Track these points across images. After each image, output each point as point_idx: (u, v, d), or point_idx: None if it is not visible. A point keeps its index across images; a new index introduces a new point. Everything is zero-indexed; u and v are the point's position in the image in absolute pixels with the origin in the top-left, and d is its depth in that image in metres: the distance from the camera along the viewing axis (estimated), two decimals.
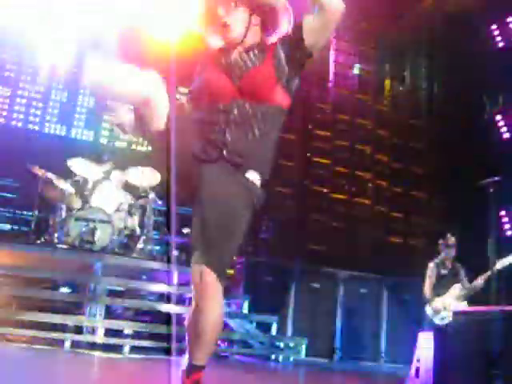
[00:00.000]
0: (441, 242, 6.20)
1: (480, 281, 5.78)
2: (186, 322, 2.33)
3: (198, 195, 2.30)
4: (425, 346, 4.86)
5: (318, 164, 9.64)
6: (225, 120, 2.30)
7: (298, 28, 2.33)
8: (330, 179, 9.71)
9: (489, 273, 5.29)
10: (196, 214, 2.32)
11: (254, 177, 2.33)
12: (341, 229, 9.43)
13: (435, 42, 10.33)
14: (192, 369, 2.26)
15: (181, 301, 6.25)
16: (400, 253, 9.64)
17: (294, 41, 2.33)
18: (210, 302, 2.22)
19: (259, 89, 2.32)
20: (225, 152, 2.29)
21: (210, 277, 2.19)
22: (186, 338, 2.29)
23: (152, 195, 7.23)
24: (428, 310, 6.00)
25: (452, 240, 6.13)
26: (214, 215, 2.25)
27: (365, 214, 9.86)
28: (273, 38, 2.40)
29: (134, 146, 9.61)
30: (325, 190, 9.69)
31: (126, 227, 6.91)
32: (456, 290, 5.98)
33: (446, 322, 5.75)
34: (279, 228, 8.89)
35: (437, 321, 5.89)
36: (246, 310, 6.81)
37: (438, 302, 5.93)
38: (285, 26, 2.38)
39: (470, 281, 5.93)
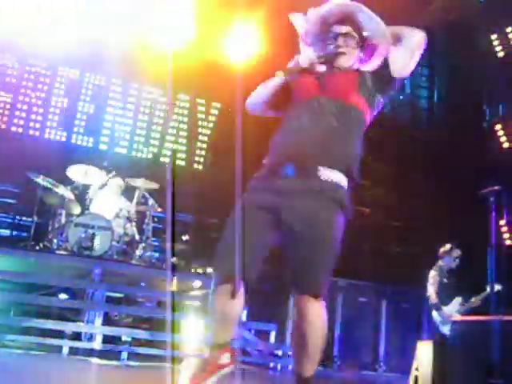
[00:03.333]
0: (442, 250, 6.18)
1: (477, 300, 5.77)
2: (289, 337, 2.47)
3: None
4: (424, 355, 4.85)
5: None
6: (305, 113, 2.47)
7: (385, 60, 2.61)
8: None
9: (485, 293, 5.29)
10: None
11: (335, 177, 2.38)
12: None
13: (435, 51, 10.32)
14: (304, 382, 2.38)
15: (179, 308, 6.21)
16: (399, 262, 9.60)
17: (380, 69, 2.62)
18: (315, 317, 2.36)
19: (339, 87, 2.53)
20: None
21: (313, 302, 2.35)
22: (292, 351, 2.41)
23: (151, 202, 7.26)
24: (436, 316, 5.93)
25: (457, 252, 6.09)
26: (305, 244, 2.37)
27: (364, 223, 9.85)
28: (363, 67, 2.68)
29: (134, 153, 9.65)
30: None
31: (125, 234, 6.91)
32: (458, 302, 5.95)
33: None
34: None
35: (445, 329, 5.83)
36: (244, 318, 6.78)
37: (447, 310, 5.90)
38: (377, 61, 2.65)
39: (468, 292, 5.92)
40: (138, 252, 6.99)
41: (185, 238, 8.17)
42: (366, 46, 2.68)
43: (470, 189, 5.18)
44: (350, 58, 2.65)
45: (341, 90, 2.53)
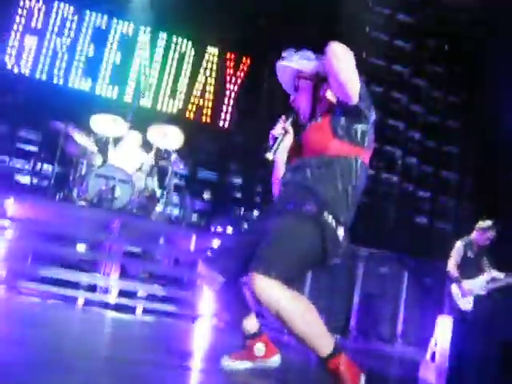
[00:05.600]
0: (479, 224, 6.03)
1: (505, 280, 5.67)
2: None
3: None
4: (443, 331, 4.84)
5: None
6: (287, 173, 2.73)
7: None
8: None
9: None
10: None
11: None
12: (365, 204, 9.35)
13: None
14: (325, 361, 2.42)
15: (195, 266, 6.27)
16: (425, 234, 9.57)
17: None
18: (274, 302, 2.36)
19: (315, 143, 2.64)
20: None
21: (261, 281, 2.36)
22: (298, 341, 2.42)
23: (174, 157, 7.26)
24: (455, 289, 5.83)
25: (492, 232, 5.96)
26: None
27: (391, 191, 9.78)
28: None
29: (158, 107, 9.63)
30: None
31: (145, 188, 6.94)
32: (483, 279, 5.84)
33: (471, 306, 5.63)
34: None
35: (462, 304, 5.75)
36: None
37: (467, 285, 5.79)
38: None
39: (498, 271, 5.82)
40: (158, 208, 7.03)
41: (206, 196, 8.13)
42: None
43: (505, 162, 5.03)
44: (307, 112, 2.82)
45: (317, 145, 2.64)
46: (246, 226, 6.67)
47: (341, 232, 2.56)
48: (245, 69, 9.91)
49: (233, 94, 9.92)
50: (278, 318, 2.37)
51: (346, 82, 2.46)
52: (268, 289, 2.33)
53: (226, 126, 9.90)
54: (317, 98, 2.76)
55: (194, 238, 6.34)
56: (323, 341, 2.41)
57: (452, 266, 5.95)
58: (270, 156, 2.69)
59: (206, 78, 9.91)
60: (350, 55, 2.45)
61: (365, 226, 8.88)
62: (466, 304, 5.75)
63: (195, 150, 9.34)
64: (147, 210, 6.98)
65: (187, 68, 9.86)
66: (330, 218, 2.52)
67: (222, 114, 9.89)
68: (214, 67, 9.94)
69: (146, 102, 9.49)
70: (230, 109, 9.91)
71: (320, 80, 2.74)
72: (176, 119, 8.97)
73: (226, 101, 9.91)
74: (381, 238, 8.70)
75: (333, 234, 2.52)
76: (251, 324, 2.84)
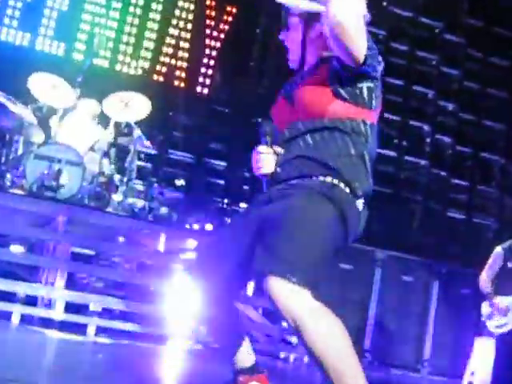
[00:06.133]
0: None
1: None
2: None
3: None
4: (483, 356, 4.84)
5: None
6: (282, 144, 2.71)
7: None
8: None
9: None
10: None
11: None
12: (384, 195, 9.38)
13: None
14: None
15: (166, 274, 6.27)
16: (461, 233, 9.64)
17: None
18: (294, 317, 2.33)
19: (308, 103, 2.66)
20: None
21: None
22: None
23: (138, 132, 7.22)
24: (484, 307, 5.80)
25: None
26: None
27: (418, 178, 9.80)
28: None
29: (118, 67, 9.62)
30: None
31: (101, 173, 6.92)
32: None
33: (503, 330, 5.53)
34: None
35: (491, 326, 5.68)
36: (249, 292, 6.82)
37: (504, 302, 5.77)
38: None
39: None
40: (117, 197, 7.01)
41: (179, 182, 8.26)
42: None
43: None
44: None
45: (315, 108, 2.66)
46: (232, 218, 6.64)
47: (360, 206, 2.61)
48: (229, 20, 9.89)
49: (214, 52, 9.88)
50: (296, 334, 2.36)
51: (352, 51, 2.47)
52: (288, 299, 2.32)
53: (206, 92, 9.88)
54: (307, 41, 2.80)
55: (163, 236, 6.33)
56: (350, 380, 2.30)
57: (486, 277, 5.89)
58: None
59: (180, 30, 9.86)
60: (356, 15, 2.45)
61: (383, 222, 8.90)
62: (499, 327, 5.59)
63: (165, 124, 9.36)
64: (102, 200, 6.89)
65: (155, 18, 9.81)
66: (346, 190, 2.56)
67: (201, 78, 9.86)
68: (190, 17, 9.88)
69: (101, 61, 9.42)
70: (210, 71, 9.87)
71: (311, 18, 2.74)
72: (140, 83, 8.93)
73: (205, 60, 9.86)
74: (404, 237, 8.71)
75: (353, 210, 2.57)
76: (245, 354, 2.82)
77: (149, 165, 8.04)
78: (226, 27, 9.89)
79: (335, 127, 2.60)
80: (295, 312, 2.30)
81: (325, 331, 2.32)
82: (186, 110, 9.72)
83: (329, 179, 2.54)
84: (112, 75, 9.30)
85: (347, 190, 2.54)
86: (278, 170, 2.68)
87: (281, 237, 2.41)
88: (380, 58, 2.62)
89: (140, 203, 7.30)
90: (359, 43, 2.46)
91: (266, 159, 2.73)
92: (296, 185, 2.57)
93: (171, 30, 9.85)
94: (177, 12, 9.89)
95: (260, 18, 9.92)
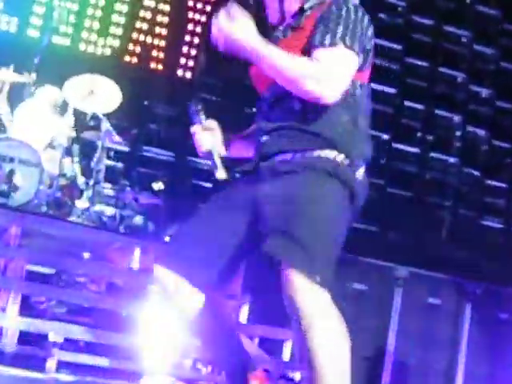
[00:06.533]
0: None
1: None
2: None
3: None
4: None
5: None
6: (265, 111, 2.90)
7: None
8: (392, 120, 9.72)
9: None
10: None
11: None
12: (405, 199, 9.36)
13: None
14: None
15: (141, 296, 6.24)
16: (497, 245, 9.63)
17: None
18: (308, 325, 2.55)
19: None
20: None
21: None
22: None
23: (106, 125, 7.25)
24: None
25: None
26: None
27: (447, 179, 9.87)
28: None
29: (82, 47, 9.60)
30: (384, 137, 9.75)
31: (61, 174, 6.95)
32: None
33: None
34: None
35: None
36: (243, 319, 6.81)
37: None
38: None
39: None
40: (81, 204, 7.02)
41: (157, 186, 8.20)
42: None
43: None
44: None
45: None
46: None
47: (361, 175, 2.79)
48: None
49: (198, 28, 9.89)
50: (298, 334, 2.59)
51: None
52: (306, 296, 2.53)
53: (188, 76, 9.89)
54: None
55: (137, 251, 6.25)
56: None
57: None
58: (222, 175, 2.97)
59: (156, 2, 9.88)
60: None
61: (404, 232, 8.89)
62: None
63: (140, 115, 9.38)
64: (64, 207, 6.96)
65: None
66: (346, 162, 2.72)
67: (182, 59, 9.86)
68: None
69: (61, 40, 9.41)
70: (193, 50, 9.88)
71: None
72: (109, 66, 8.93)
73: (187, 38, 9.87)
74: (429, 250, 8.70)
75: (357, 183, 2.76)
76: None
77: (120, 164, 8.15)
78: None
79: None
80: (309, 310, 2.51)
81: (332, 338, 2.55)
82: (164, 98, 9.74)
83: (328, 153, 2.70)
84: (75, 56, 9.31)
85: (347, 162, 2.71)
86: (265, 140, 2.84)
87: (297, 224, 2.60)
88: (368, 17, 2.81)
89: (109, 211, 7.35)
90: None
91: (203, 138, 3.02)
92: (294, 162, 2.72)
93: (146, 2, 9.86)
94: None
95: None
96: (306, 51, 2.71)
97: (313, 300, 2.51)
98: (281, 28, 2.95)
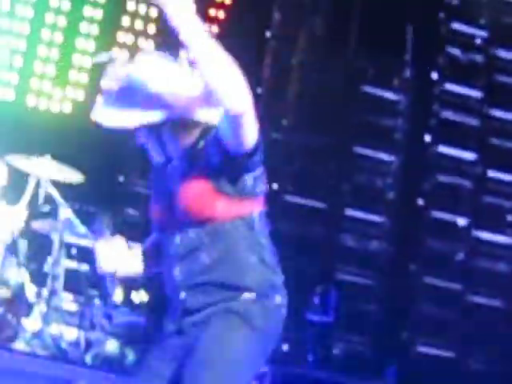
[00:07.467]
0: None
1: None
2: None
3: None
4: None
5: None
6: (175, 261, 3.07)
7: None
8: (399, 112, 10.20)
9: None
10: None
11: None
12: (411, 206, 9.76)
13: None
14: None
15: None
16: None
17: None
18: None
19: (195, 207, 3.00)
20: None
21: None
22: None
23: (65, 212, 6.79)
24: None
25: None
26: None
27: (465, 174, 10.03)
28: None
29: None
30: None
31: (3, 282, 6.67)
32: None
33: None
34: None
35: None
36: None
37: None
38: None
39: None
40: (31, 324, 6.76)
41: (139, 297, 7.68)
42: None
43: None
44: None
45: (200, 210, 2.99)
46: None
47: (279, 301, 2.99)
48: None
49: None
50: None
51: (245, 139, 2.86)
52: None
53: None
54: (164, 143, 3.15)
55: None
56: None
57: None
58: (118, 298, 4.41)
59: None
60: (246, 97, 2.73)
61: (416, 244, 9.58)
62: None
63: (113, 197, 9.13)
64: (6, 329, 6.61)
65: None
66: (262, 301, 2.94)
67: None
68: None
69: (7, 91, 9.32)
70: None
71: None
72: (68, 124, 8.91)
73: None
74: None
75: (273, 319, 2.98)
76: None
77: (85, 267, 7.29)
78: None
79: (227, 233, 2.97)
80: None
81: None
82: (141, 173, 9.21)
83: (243, 297, 2.91)
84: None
85: (263, 300, 2.95)
86: (184, 297, 3.02)
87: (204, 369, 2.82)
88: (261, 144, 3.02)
89: (71, 334, 7.18)
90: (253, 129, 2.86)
91: (107, 256, 3.05)
92: (211, 312, 2.94)
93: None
94: None
95: None
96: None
97: None
98: (170, 170, 3.17)
